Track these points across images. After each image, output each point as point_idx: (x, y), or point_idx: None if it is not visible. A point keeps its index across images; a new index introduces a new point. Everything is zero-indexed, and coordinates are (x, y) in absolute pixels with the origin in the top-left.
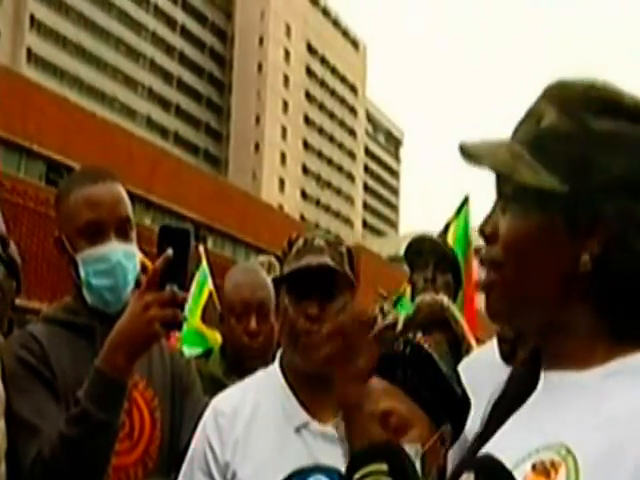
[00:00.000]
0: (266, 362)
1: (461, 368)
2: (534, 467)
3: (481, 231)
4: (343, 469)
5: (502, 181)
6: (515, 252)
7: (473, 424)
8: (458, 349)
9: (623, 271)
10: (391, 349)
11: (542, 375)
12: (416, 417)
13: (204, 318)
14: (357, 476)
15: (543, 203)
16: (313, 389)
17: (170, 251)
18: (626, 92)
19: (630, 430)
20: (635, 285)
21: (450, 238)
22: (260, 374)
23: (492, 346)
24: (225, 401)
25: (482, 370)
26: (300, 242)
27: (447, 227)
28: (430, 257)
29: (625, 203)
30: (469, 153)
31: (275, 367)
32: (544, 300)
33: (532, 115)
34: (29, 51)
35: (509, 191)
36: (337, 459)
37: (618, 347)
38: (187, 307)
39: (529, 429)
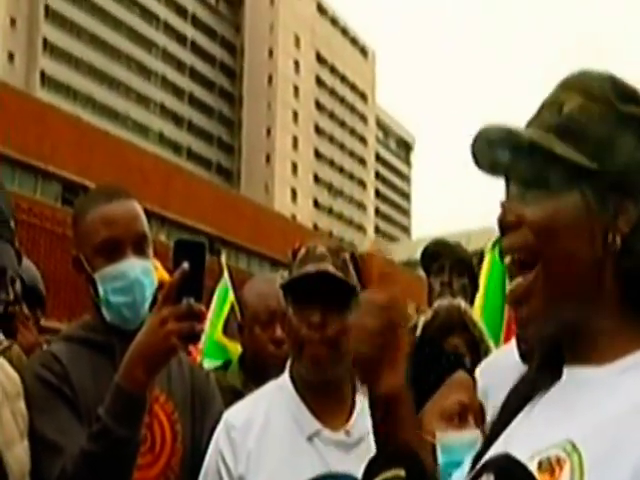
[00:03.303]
0: None
1: (480, 369)
2: (540, 465)
3: (501, 222)
4: (359, 476)
5: (522, 167)
6: (550, 233)
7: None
8: (477, 351)
9: None
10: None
11: (564, 370)
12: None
13: (226, 331)
14: None
15: (573, 181)
16: (322, 397)
17: (186, 265)
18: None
19: (632, 425)
20: None
21: (485, 268)
22: (271, 385)
23: (511, 347)
24: (236, 414)
25: (501, 371)
26: (303, 251)
27: (482, 256)
28: (446, 261)
29: None
30: (497, 134)
31: (285, 377)
32: (582, 283)
33: (551, 105)
34: (42, 74)
35: (529, 176)
36: (350, 466)
37: None
38: (207, 320)
39: (541, 426)
